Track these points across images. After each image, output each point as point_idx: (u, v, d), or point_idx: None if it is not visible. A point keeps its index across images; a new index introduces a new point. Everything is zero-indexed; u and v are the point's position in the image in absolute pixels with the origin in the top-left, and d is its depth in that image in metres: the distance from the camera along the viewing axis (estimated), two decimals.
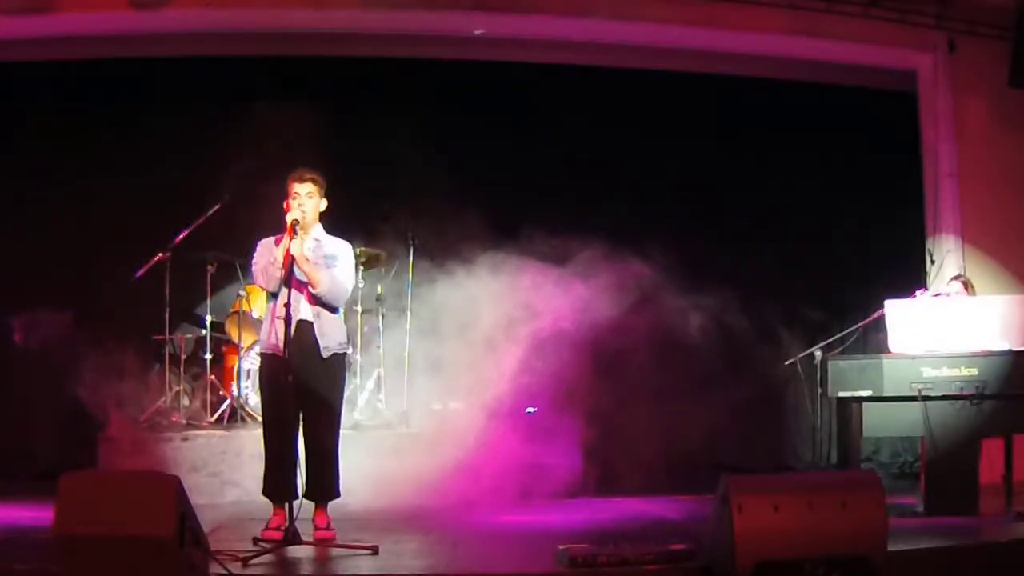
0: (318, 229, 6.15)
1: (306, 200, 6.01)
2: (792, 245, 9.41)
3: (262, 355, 6.20)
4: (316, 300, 6.02)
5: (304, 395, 5.91)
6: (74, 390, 8.89)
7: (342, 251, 6.16)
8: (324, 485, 6.01)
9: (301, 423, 5.96)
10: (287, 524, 5.61)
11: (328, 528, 5.95)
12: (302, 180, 6.03)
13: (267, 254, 6.06)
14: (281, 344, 5.74)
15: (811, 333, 8.29)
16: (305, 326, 5.97)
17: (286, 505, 5.77)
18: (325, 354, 6.02)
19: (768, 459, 9.52)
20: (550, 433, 7.79)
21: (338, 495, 6.11)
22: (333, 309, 6.12)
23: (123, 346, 8.54)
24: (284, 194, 6.07)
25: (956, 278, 7.84)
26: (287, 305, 5.74)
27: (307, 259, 5.98)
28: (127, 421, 8.20)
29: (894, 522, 5.02)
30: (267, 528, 5.88)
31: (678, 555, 5.08)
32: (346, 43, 8.97)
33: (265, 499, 6.03)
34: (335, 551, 5.63)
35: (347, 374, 6.81)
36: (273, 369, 5.93)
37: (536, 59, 9.26)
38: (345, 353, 6.28)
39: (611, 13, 8.70)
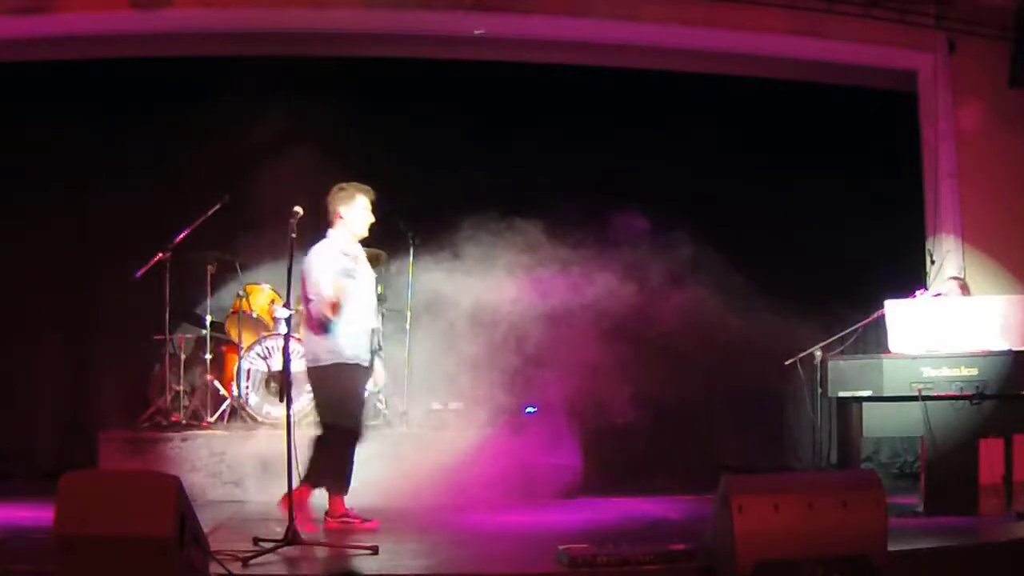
0: None
1: None
2: (791, 245, 9.40)
3: (342, 365, 6.35)
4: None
5: None
6: (74, 390, 8.91)
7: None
8: None
9: None
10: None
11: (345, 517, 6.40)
12: None
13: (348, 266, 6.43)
14: (369, 354, 6.45)
15: (811, 333, 8.27)
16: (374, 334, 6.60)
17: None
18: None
19: (768, 459, 9.52)
20: (550, 433, 7.80)
21: None
22: None
23: (123, 346, 8.55)
24: (366, 205, 6.55)
25: (953, 279, 7.84)
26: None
27: None
28: (127, 421, 8.22)
29: (894, 522, 5.03)
30: (334, 517, 6.37)
31: (678, 555, 5.09)
32: (346, 43, 8.96)
33: (317, 493, 6.43)
34: (335, 551, 5.63)
35: None
36: (363, 378, 6.45)
37: (536, 59, 9.25)
38: None
39: (611, 13, 8.69)
